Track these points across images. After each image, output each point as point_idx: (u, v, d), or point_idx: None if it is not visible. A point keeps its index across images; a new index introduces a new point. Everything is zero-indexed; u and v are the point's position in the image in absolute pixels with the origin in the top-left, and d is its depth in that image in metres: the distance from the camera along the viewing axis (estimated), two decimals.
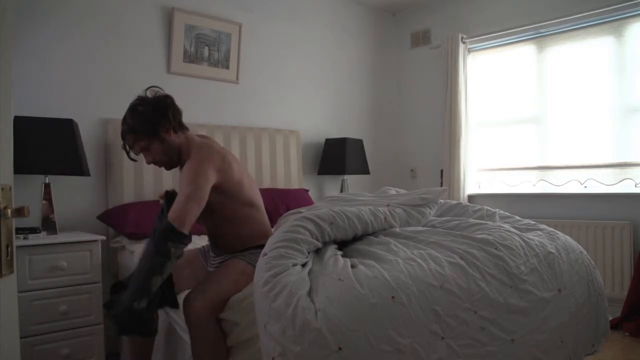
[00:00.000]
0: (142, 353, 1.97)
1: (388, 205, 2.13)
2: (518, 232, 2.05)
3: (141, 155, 1.92)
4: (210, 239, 2.02)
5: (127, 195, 2.87)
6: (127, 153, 1.90)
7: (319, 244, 1.67)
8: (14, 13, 2.52)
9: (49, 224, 2.42)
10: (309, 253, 1.61)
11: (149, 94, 1.86)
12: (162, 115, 1.81)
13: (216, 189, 1.80)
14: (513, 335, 1.64)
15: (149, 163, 1.90)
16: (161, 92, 1.88)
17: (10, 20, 0.91)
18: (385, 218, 1.98)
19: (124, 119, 1.83)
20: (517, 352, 1.64)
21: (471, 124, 4.04)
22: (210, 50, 3.33)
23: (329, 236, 1.71)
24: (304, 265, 1.52)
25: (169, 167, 1.93)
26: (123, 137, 1.85)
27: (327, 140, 3.95)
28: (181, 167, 1.89)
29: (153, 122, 1.80)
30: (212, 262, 1.99)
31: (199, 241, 2.59)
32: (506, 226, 2.14)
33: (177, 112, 1.88)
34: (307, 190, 3.67)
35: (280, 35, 3.79)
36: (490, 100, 4.00)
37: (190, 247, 2.49)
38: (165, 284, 1.75)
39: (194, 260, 2.00)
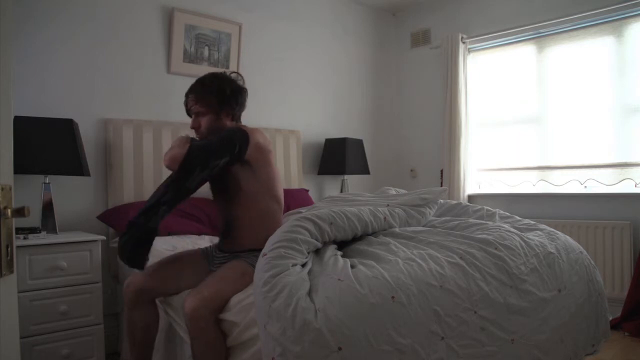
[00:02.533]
0: (142, 353, 1.97)
1: (388, 205, 2.13)
2: (518, 232, 2.05)
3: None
4: (224, 229, 1.99)
5: (127, 195, 2.87)
6: (186, 108, 2.01)
7: (319, 244, 1.67)
8: (14, 13, 2.52)
9: (49, 224, 2.42)
10: (308, 253, 1.61)
11: (232, 77, 2.01)
12: (234, 100, 1.96)
13: (252, 166, 1.85)
14: (513, 336, 1.64)
15: (192, 127, 1.98)
16: (241, 81, 2.03)
17: (10, 20, 0.91)
18: (385, 218, 1.98)
19: (201, 81, 1.97)
20: (517, 352, 1.65)
21: (471, 124, 4.04)
22: (210, 50, 3.33)
23: (328, 236, 1.71)
24: (303, 265, 1.53)
25: None
26: (187, 94, 1.98)
27: (327, 140, 3.95)
28: None
29: (222, 100, 1.93)
30: (215, 261, 1.99)
31: (201, 242, 2.59)
32: (506, 226, 2.14)
33: (243, 105, 2.03)
34: (307, 190, 3.67)
35: (281, 35, 3.79)
36: (490, 100, 3.99)
37: (191, 247, 2.49)
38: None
39: (196, 261, 2.00)
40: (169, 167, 1.81)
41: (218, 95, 1.93)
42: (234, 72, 2.04)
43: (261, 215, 1.91)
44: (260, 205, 1.91)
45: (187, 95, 1.99)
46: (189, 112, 2.01)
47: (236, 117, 2.02)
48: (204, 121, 1.95)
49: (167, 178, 1.78)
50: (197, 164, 1.72)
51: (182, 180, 1.72)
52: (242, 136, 1.81)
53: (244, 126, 1.97)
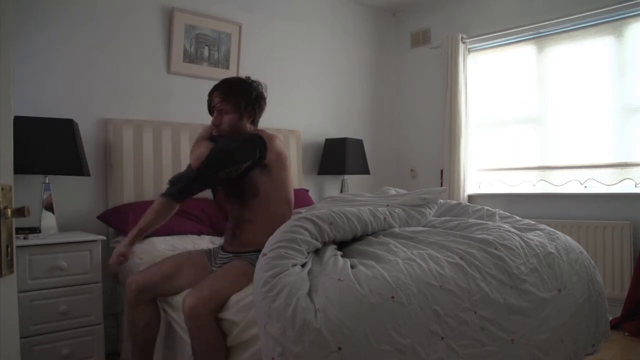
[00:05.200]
0: (144, 352, 1.96)
1: (388, 205, 2.13)
2: (518, 232, 2.05)
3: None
4: (232, 228, 2.01)
5: (127, 195, 2.87)
6: (209, 105, 2.07)
7: (319, 244, 1.67)
8: (15, 13, 2.52)
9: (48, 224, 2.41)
10: (308, 253, 1.60)
11: (258, 84, 2.09)
12: (257, 105, 2.06)
13: (270, 171, 1.93)
14: (513, 336, 1.64)
15: (214, 124, 2.04)
16: (263, 89, 2.10)
17: (11, 20, 0.91)
18: (384, 218, 1.98)
19: (229, 81, 2.05)
20: (517, 352, 1.65)
21: (471, 124, 4.04)
22: (210, 51, 3.33)
23: (328, 236, 1.71)
24: (303, 265, 1.52)
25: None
26: (213, 91, 2.04)
27: (327, 140, 3.95)
28: None
29: (247, 102, 2.01)
30: (217, 260, 1.99)
31: (201, 242, 2.59)
32: (506, 226, 2.14)
33: (262, 112, 2.13)
34: (307, 190, 3.67)
35: (281, 35, 3.79)
36: (490, 100, 3.99)
37: (191, 247, 2.49)
38: None
39: (198, 260, 2.00)
40: (195, 166, 1.89)
41: (245, 97, 2.00)
42: (256, 81, 2.10)
43: (271, 217, 1.93)
44: (272, 208, 1.96)
45: (211, 93, 2.05)
46: (211, 109, 2.06)
47: (255, 122, 2.10)
48: (227, 119, 2.00)
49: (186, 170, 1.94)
50: (220, 165, 1.85)
51: (204, 176, 1.86)
52: (262, 143, 1.91)
53: (263, 132, 2.02)
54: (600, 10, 3.32)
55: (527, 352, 1.68)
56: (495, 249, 1.81)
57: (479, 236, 1.91)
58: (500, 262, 1.76)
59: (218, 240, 2.51)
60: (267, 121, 3.63)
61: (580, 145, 3.48)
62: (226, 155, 1.87)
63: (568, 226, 3.38)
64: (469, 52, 4.08)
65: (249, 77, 2.10)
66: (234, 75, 3.44)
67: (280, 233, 1.59)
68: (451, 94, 4.01)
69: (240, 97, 2.00)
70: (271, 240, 1.58)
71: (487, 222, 2.23)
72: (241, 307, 1.59)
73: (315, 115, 4.04)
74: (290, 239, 1.56)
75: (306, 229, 1.63)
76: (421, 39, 4.46)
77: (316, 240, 1.65)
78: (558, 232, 2.26)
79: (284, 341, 1.28)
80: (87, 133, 2.77)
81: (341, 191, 3.98)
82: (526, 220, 2.40)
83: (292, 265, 1.47)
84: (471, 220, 2.25)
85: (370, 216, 1.91)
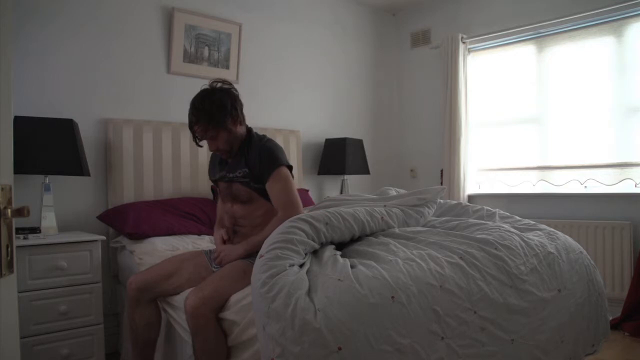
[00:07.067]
0: (144, 352, 1.96)
1: (385, 205, 2.13)
2: (518, 232, 2.05)
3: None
4: (232, 227, 2.03)
5: (127, 195, 2.87)
6: (195, 141, 2.00)
7: (316, 245, 1.66)
8: (14, 13, 2.52)
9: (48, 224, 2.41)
10: (306, 254, 1.60)
11: (221, 87, 1.97)
12: (236, 108, 1.96)
13: None
14: (513, 336, 1.64)
15: (212, 150, 2.01)
16: (228, 86, 1.99)
17: (10, 20, 0.91)
18: (382, 217, 1.98)
19: (195, 109, 1.92)
20: (517, 352, 1.65)
21: (471, 124, 4.04)
22: (210, 50, 3.33)
23: (324, 237, 1.70)
24: (301, 266, 1.52)
25: (227, 156, 2.03)
26: (192, 126, 1.94)
27: (327, 140, 3.95)
28: (235, 155, 2.01)
29: (226, 114, 1.91)
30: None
31: (201, 242, 2.59)
32: (506, 226, 2.14)
33: (241, 105, 2.01)
34: (307, 191, 3.67)
35: (280, 35, 3.79)
36: (490, 100, 3.99)
37: (191, 247, 2.49)
38: None
39: (198, 260, 2.00)
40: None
41: (224, 113, 1.91)
42: (216, 81, 1.98)
43: (269, 216, 1.94)
44: (270, 207, 1.96)
45: (191, 127, 1.95)
46: (198, 141, 1.99)
47: (242, 120, 2.03)
48: (221, 141, 1.95)
49: None
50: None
51: None
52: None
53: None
54: (600, 10, 3.32)
55: (527, 352, 1.68)
56: (495, 249, 1.81)
57: (479, 236, 1.91)
58: (500, 262, 1.76)
59: None
60: (267, 121, 3.67)
61: (580, 145, 3.48)
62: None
63: (568, 226, 3.38)
64: (469, 52, 4.08)
65: (214, 83, 1.97)
66: (234, 75, 3.44)
67: (276, 234, 1.59)
68: (451, 94, 4.01)
69: (220, 117, 1.90)
70: (267, 241, 1.57)
71: (487, 222, 2.23)
72: (241, 307, 1.59)
73: (315, 115, 4.04)
74: (286, 239, 1.56)
75: (302, 230, 1.62)
76: (421, 39, 4.46)
77: (313, 240, 1.64)
78: (558, 232, 2.26)
79: (284, 342, 1.27)
80: (87, 133, 2.77)
81: (341, 191, 3.98)
82: (526, 220, 2.39)
83: (290, 266, 1.46)
84: (471, 220, 2.24)
85: (367, 216, 1.91)
